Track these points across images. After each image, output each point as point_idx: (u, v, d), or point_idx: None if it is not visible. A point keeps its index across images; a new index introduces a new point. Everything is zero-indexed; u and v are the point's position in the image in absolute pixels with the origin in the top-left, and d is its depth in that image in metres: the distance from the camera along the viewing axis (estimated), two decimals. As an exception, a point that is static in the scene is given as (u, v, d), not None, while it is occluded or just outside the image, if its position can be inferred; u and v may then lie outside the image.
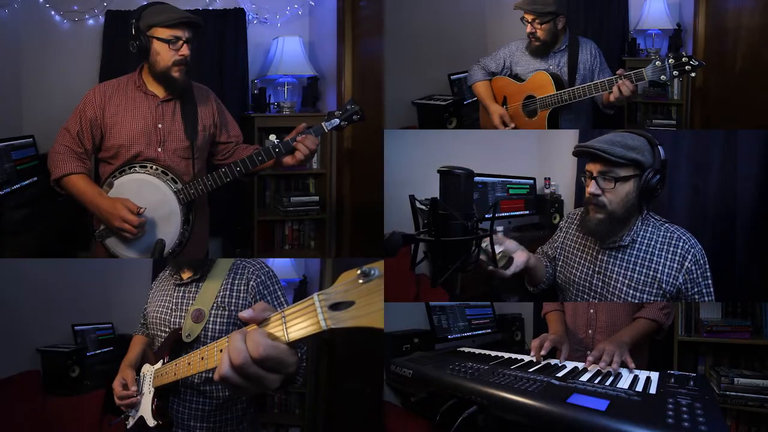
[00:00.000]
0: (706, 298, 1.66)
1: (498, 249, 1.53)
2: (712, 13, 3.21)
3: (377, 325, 0.81)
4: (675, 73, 2.10)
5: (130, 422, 1.63)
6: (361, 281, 0.83)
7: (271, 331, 0.92)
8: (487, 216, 1.48)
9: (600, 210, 1.66)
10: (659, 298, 1.67)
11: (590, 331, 2.06)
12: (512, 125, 2.53)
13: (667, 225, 1.72)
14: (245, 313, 0.96)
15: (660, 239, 1.69)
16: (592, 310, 2.07)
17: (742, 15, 2.83)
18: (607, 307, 2.03)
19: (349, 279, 0.84)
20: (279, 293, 1.66)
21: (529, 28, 2.48)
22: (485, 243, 1.48)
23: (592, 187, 1.63)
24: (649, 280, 1.67)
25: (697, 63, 2.09)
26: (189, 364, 1.32)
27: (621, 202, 1.63)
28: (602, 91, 2.27)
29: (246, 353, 0.88)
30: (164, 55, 1.97)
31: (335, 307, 0.84)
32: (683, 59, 2.09)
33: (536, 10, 2.43)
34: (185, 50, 1.97)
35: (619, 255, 1.73)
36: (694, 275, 1.65)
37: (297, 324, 0.89)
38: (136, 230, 1.92)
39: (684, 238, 1.67)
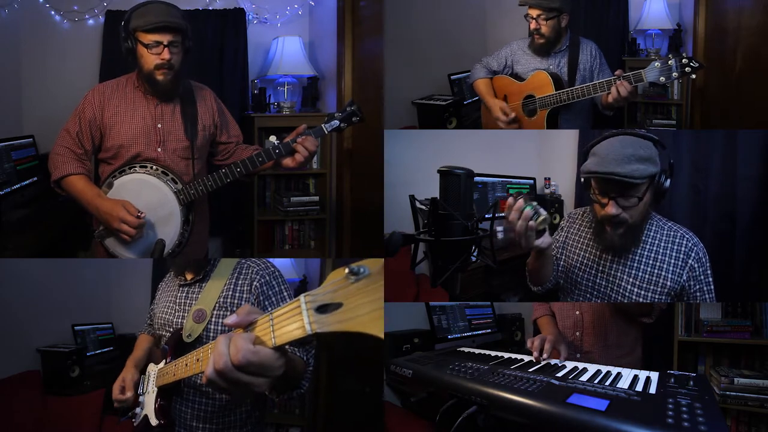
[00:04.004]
0: (707, 296, 1.67)
1: (543, 213, 1.48)
2: (712, 13, 3.21)
3: (369, 331, 0.74)
4: (674, 74, 2.09)
5: (136, 420, 1.63)
6: (350, 281, 0.78)
7: (258, 335, 0.92)
8: (487, 216, 1.48)
9: (620, 226, 1.62)
10: (663, 296, 1.68)
11: (578, 333, 2.07)
12: (513, 114, 2.52)
13: (669, 224, 1.73)
14: (229, 319, 0.96)
15: (664, 237, 1.70)
16: (578, 312, 2.07)
17: (742, 15, 2.83)
18: (593, 308, 2.04)
19: (336, 278, 0.80)
20: (285, 293, 1.64)
21: (533, 24, 2.47)
22: (535, 202, 1.48)
23: (613, 209, 1.57)
24: (654, 278, 1.68)
25: (697, 65, 2.08)
26: (186, 365, 1.32)
27: (641, 213, 1.61)
28: (601, 91, 2.27)
29: (227, 358, 0.88)
30: (147, 58, 1.97)
31: (322, 309, 0.80)
32: (683, 61, 2.08)
33: (542, 5, 2.43)
34: (165, 54, 1.95)
35: (623, 254, 1.73)
36: (697, 272, 1.66)
37: (283, 327, 0.86)
38: (134, 231, 1.92)
39: (687, 236, 1.69)
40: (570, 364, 1.67)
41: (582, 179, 1.67)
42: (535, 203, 1.48)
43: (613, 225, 1.63)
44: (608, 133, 1.65)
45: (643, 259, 1.70)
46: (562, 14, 2.45)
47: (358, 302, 0.77)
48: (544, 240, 1.52)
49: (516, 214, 1.46)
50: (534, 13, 2.46)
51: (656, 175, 1.56)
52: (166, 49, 1.95)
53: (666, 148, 1.63)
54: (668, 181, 1.60)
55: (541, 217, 1.47)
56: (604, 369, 1.57)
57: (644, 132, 1.64)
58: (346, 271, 0.78)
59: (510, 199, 1.50)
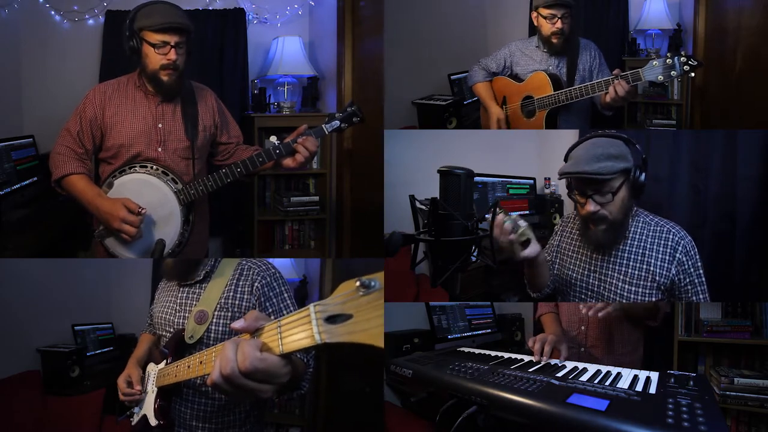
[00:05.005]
0: (699, 288, 1.69)
1: (522, 225, 1.52)
2: (712, 13, 3.21)
3: (375, 343, 0.76)
4: (674, 73, 2.09)
5: (135, 419, 1.63)
6: (360, 293, 0.79)
7: (265, 341, 0.92)
8: (487, 216, 1.48)
9: (602, 222, 1.68)
10: (654, 291, 1.70)
11: (583, 328, 2.08)
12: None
13: (657, 219, 1.76)
14: (237, 324, 0.96)
15: (651, 233, 1.72)
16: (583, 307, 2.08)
17: (742, 15, 2.83)
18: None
19: (347, 290, 0.81)
20: (285, 295, 1.64)
21: (557, 24, 2.44)
22: (515, 215, 1.51)
23: (591, 206, 1.64)
24: (643, 273, 1.70)
25: (696, 63, 2.08)
26: (188, 367, 1.32)
27: (620, 209, 1.66)
28: (599, 91, 2.27)
29: (234, 364, 0.89)
30: (152, 58, 1.97)
31: (332, 319, 0.81)
32: (682, 59, 2.08)
33: (567, 2, 2.43)
34: (172, 55, 1.96)
35: (613, 252, 1.75)
36: (686, 266, 1.68)
37: (292, 336, 0.87)
38: (135, 231, 1.92)
39: (674, 230, 1.71)
40: (570, 364, 1.67)
41: (559, 179, 1.76)
42: (514, 216, 1.52)
43: (594, 222, 1.69)
44: (584, 137, 1.72)
45: (632, 256, 1.72)
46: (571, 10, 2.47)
47: (368, 315, 0.78)
48: (531, 250, 1.57)
49: (497, 230, 1.49)
50: (559, 12, 2.43)
51: (629, 171, 1.63)
52: (172, 49, 1.95)
53: (637, 145, 1.68)
54: (643, 175, 1.65)
55: (521, 230, 1.51)
56: (604, 369, 1.57)
57: (615, 132, 1.72)
58: (357, 283, 0.79)
59: (488, 215, 1.50)
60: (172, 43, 1.95)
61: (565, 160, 1.73)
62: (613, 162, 1.59)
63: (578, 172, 1.61)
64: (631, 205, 1.71)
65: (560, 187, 3.47)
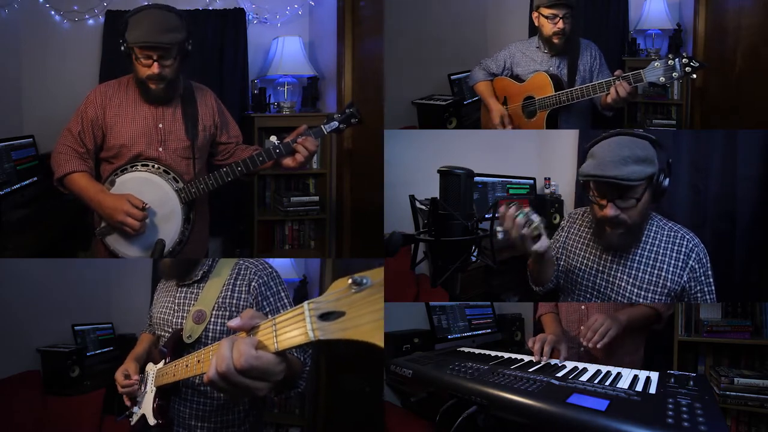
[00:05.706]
0: (708, 297, 1.67)
1: (536, 219, 1.50)
2: (712, 13, 3.21)
3: (370, 339, 0.76)
4: (675, 75, 2.08)
5: (134, 419, 1.63)
6: (352, 290, 0.80)
7: (261, 339, 0.93)
8: (487, 216, 1.48)
9: (620, 226, 1.63)
10: (664, 297, 1.67)
11: (582, 328, 2.07)
12: (510, 127, 2.53)
13: (670, 224, 1.73)
14: (233, 322, 0.98)
15: (664, 238, 1.69)
16: (583, 307, 2.07)
17: (742, 15, 2.83)
18: (598, 304, 2.04)
19: (340, 288, 0.81)
20: (282, 294, 1.65)
21: (558, 24, 2.43)
22: (527, 208, 1.50)
23: (611, 210, 1.58)
24: (654, 278, 1.67)
25: (697, 64, 2.07)
26: (187, 366, 1.32)
27: (640, 213, 1.61)
28: (600, 92, 2.27)
29: (230, 362, 0.90)
30: (139, 68, 1.98)
31: (325, 317, 0.81)
32: (683, 60, 2.08)
33: (569, 2, 2.42)
34: (155, 68, 1.95)
35: (624, 254, 1.72)
36: (698, 273, 1.66)
37: (286, 333, 0.88)
38: (138, 224, 1.92)
39: (688, 237, 1.68)
40: (570, 364, 1.67)
41: (581, 181, 1.68)
42: (527, 210, 1.50)
43: (612, 226, 1.64)
44: (606, 133, 1.65)
45: (643, 260, 1.70)
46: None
47: (361, 312, 0.78)
48: (541, 244, 1.54)
49: (509, 222, 1.49)
50: (561, 12, 2.43)
51: (654, 175, 1.57)
52: (155, 63, 1.95)
53: (663, 147, 1.63)
54: (667, 180, 1.60)
55: (534, 224, 1.50)
56: (604, 369, 1.57)
57: (642, 132, 1.64)
58: (350, 281, 0.80)
59: (502, 207, 1.51)
60: (155, 57, 1.95)
61: (584, 157, 1.66)
62: (641, 166, 1.52)
63: (605, 177, 1.53)
64: (650, 210, 1.66)
65: (560, 187, 3.47)
